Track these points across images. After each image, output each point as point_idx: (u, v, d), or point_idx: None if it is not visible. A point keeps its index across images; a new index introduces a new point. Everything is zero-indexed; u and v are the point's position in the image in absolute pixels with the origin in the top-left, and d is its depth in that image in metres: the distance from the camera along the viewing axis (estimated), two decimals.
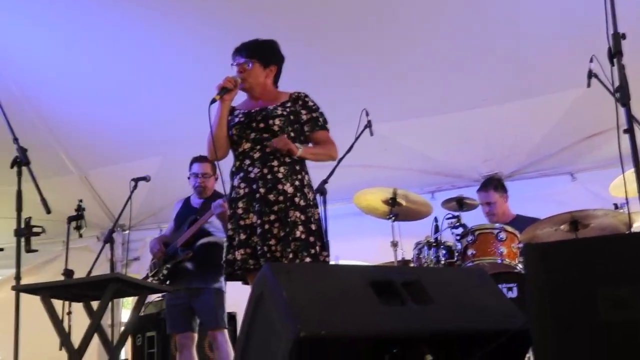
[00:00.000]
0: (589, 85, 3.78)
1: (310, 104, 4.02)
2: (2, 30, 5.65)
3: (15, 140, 4.55)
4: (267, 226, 3.73)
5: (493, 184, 5.93)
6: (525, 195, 6.40)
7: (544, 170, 6.66)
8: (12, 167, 4.51)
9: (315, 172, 4.09)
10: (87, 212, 5.33)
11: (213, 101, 3.83)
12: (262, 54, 4.02)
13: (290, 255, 3.69)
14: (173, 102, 6.34)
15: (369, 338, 2.22)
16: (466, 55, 5.65)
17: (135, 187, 5.54)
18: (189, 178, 5.60)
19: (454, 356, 2.29)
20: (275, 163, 3.82)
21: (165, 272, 5.44)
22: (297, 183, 3.84)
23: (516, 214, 5.84)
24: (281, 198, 3.77)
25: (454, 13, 5.38)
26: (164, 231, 5.85)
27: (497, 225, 5.14)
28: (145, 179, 5.60)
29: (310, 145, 4.01)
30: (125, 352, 6.57)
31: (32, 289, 4.18)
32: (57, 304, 4.40)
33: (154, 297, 6.14)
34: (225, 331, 5.37)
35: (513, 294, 4.65)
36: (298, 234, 3.74)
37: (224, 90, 3.84)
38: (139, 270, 7.53)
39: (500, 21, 5.41)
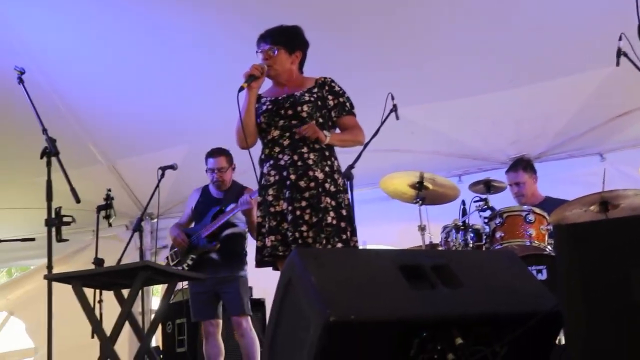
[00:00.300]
0: (618, 63, 3.73)
1: (337, 88, 4.00)
2: (30, 25, 5.69)
3: (45, 131, 4.60)
4: (298, 212, 3.73)
5: (522, 164, 5.88)
6: (554, 176, 6.34)
7: (573, 151, 6.57)
8: (41, 157, 4.56)
9: (342, 157, 4.08)
10: (116, 201, 5.38)
11: (241, 89, 3.82)
12: (287, 40, 4.00)
13: (323, 242, 3.69)
14: (198, 91, 6.36)
15: (398, 322, 2.22)
16: (493, 37, 5.58)
17: (162, 175, 5.59)
18: (206, 172, 5.64)
19: (484, 339, 2.28)
20: (305, 150, 3.82)
21: (190, 262, 5.48)
22: (327, 169, 3.84)
23: (545, 195, 5.79)
24: (312, 184, 3.77)
25: None
26: (181, 219, 5.86)
27: (525, 207, 5.10)
28: (173, 167, 5.65)
29: (337, 130, 4.00)
30: (156, 339, 6.64)
31: (64, 278, 4.23)
32: (89, 292, 4.44)
33: (183, 285, 6.19)
34: (249, 318, 5.43)
35: (543, 276, 4.62)
36: (329, 219, 3.75)
37: (252, 78, 3.83)
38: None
39: (528, 2, 5.34)
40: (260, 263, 3.89)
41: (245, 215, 5.46)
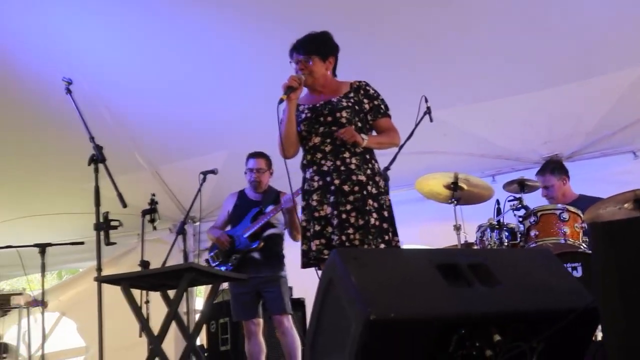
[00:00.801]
0: None
1: (372, 92, 4.00)
2: (78, 37, 5.76)
3: (92, 139, 4.65)
4: (344, 216, 3.74)
5: (550, 167, 5.80)
6: (587, 175, 6.27)
7: (605, 150, 6.48)
8: (89, 164, 4.62)
9: (378, 159, 4.08)
10: (160, 205, 5.43)
11: (281, 101, 3.83)
12: (320, 48, 4.00)
13: (371, 243, 3.70)
14: (236, 99, 6.38)
15: (437, 320, 2.22)
16: (525, 38, 5.52)
17: (204, 180, 5.64)
18: (245, 173, 5.67)
19: (521, 336, 2.26)
20: (347, 154, 3.83)
21: (234, 261, 5.52)
22: (368, 172, 3.84)
23: (579, 194, 5.71)
24: (356, 188, 3.78)
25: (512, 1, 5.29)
26: (216, 222, 5.89)
27: (559, 205, 5.05)
28: (213, 172, 5.70)
29: (374, 133, 4.00)
30: (200, 338, 6.69)
31: (113, 280, 4.28)
32: (136, 293, 4.50)
33: (224, 286, 6.23)
34: (291, 317, 5.45)
35: (578, 273, 4.57)
36: (372, 221, 3.75)
37: (290, 89, 3.84)
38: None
39: (559, 5, 5.29)
40: (305, 265, 3.90)
41: (286, 214, 5.47)
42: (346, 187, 3.77)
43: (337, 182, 3.79)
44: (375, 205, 3.79)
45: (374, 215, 3.76)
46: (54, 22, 5.62)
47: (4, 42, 5.74)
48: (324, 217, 3.80)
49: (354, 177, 3.79)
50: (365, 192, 3.78)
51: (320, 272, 3.68)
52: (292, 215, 5.40)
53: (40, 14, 5.52)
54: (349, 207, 3.75)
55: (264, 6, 5.44)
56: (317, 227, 3.81)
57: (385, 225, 3.79)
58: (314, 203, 3.84)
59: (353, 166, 3.81)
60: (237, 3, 5.47)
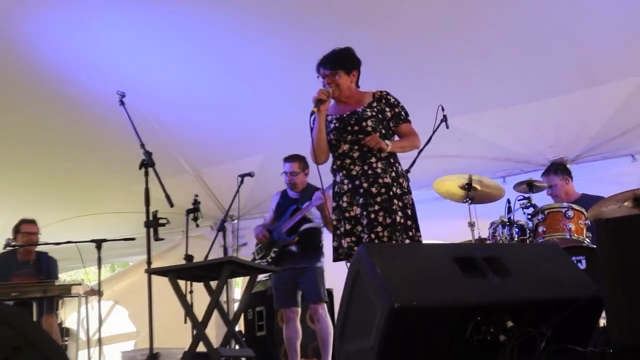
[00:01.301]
0: None
1: (392, 100, 4.02)
2: (126, 55, 5.84)
3: (142, 145, 4.70)
4: (372, 216, 3.76)
5: (553, 168, 5.83)
6: (590, 176, 6.24)
7: (606, 153, 6.42)
8: (140, 168, 4.66)
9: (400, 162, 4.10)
10: (202, 205, 5.44)
11: (312, 113, 3.86)
12: (345, 63, 4.02)
13: (399, 239, 3.71)
14: (269, 107, 6.42)
15: (455, 308, 2.21)
16: (531, 50, 5.51)
17: (242, 182, 5.66)
18: (282, 174, 5.68)
19: (532, 322, 2.25)
20: (373, 160, 3.85)
21: (273, 255, 5.51)
22: (393, 174, 3.86)
23: (582, 193, 5.69)
24: (383, 190, 3.80)
25: (519, 13, 5.26)
26: (265, 220, 5.90)
27: (564, 204, 5.04)
28: (250, 174, 5.72)
29: (396, 138, 4.00)
30: (238, 325, 6.71)
31: (161, 272, 4.33)
32: (181, 284, 4.53)
33: (261, 277, 6.25)
34: (325, 305, 5.43)
35: (582, 265, 4.53)
36: (398, 219, 3.77)
37: (320, 102, 3.86)
38: (247, 254, 7.63)
39: (563, 18, 5.25)
40: (336, 259, 3.94)
41: (319, 210, 5.45)
42: (374, 190, 3.80)
43: (365, 185, 3.82)
44: (400, 204, 3.80)
45: (399, 213, 3.78)
46: (108, 44, 5.71)
47: (60, 60, 5.82)
48: (354, 217, 3.82)
49: (380, 180, 3.81)
50: (391, 193, 3.79)
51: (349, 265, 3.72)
52: (323, 210, 5.39)
53: (92, 37, 5.61)
54: (377, 207, 3.77)
55: (291, 21, 5.47)
56: (348, 226, 3.83)
57: (409, 223, 3.81)
58: (344, 204, 3.86)
59: (379, 170, 3.83)
60: (266, 21, 5.49)
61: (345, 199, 3.87)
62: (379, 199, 3.78)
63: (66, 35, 5.57)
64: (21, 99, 6.16)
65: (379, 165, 3.84)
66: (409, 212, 3.84)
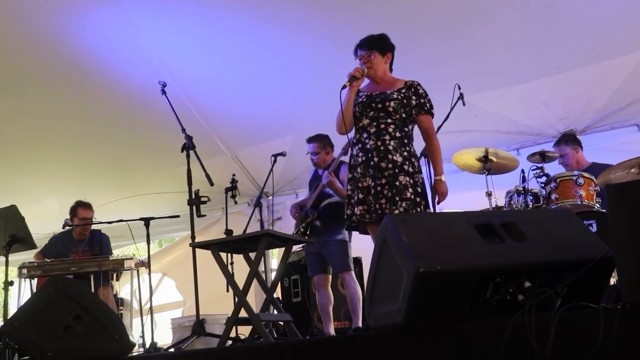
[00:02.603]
0: None
1: (421, 91, 4.01)
2: (169, 49, 5.90)
3: (184, 130, 4.74)
4: (379, 188, 3.80)
5: (564, 139, 5.76)
6: (598, 146, 6.17)
7: (613, 124, 6.34)
8: (182, 151, 4.71)
9: (420, 139, 4.09)
10: (239, 183, 5.50)
11: (344, 87, 3.88)
12: (380, 45, 4.04)
13: (402, 211, 3.72)
14: (300, 92, 6.42)
15: (475, 271, 2.20)
16: (541, 30, 5.46)
17: (275, 161, 5.67)
18: (307, 155, 5.67)
19: (548, 283, 2.24)
20: (387, 137, 3.86)
21: (302, 229, 5.53)
22: (405, 154, 3.87)
23: (592, 161, 5.61)
24: (390, 166, 3.81)
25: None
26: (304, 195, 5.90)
27: (575, 172, 4.98)
28: (282, 154, 5.73)
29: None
30: (276, 292, 6.77)
31: (204, 245, 4.35)
32: (222, 255, 4.57)
33: (295, 248, 6.30)
34: (352, 272, 5.41)
35: (593, 229, 4.49)
36: (408, 194, 3.78)
37: (354, 78, 3.90)
38: (281, 227, 7.70)
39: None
40: (348, 228, 4.00)
41: (330, 187, 5.36)
42: (383, 165, 3.83)
43: (376, 159, 3.84)
44: (411, 181, 3.82)
45: (410, 189, 3.80)
46: (150, 37, 5.75)
47: (107, 53, 5.87)
48: (366, 187, 3.86)
49: (390, 157, 3.82)
50: (398, 170, 3.80)
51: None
52: (332, 188, 5.33)
53: (137, 33, 5.67)
54: (383, 181, 3.81)
55: (314, 7, 5.45)
56: (361, 196, 3.87)
57: (418, 199, 3.82)
58: (358, 175, 3.90)
59: (391, 147, 3.84)
60: (290, 10, 5.49)
61: (359, 170, 3.91)
62: (385, 174, 3.80)
63: (114, 31, 5.63)
64: (73, 91, 6.25)
65: (392, 143, 3.85)
66: (419, 189, 3.85)
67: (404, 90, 3.96)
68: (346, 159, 4.58)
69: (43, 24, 5.41)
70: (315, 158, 5.54)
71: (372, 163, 3.84)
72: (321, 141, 5.53)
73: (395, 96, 3.91)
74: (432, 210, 3.93)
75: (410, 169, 3.84)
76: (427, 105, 3.99)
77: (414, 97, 3.97)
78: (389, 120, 3.89)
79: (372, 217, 3.80)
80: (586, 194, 4.80)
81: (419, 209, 3.79)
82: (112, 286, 5.92)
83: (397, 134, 3.87)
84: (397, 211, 3.72)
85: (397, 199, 3.76)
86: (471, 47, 5.69)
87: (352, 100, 3.93)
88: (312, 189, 5.58)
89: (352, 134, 4.03)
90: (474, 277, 2.19)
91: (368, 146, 3.87)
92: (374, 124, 3.90)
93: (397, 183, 3.78)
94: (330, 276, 5.55)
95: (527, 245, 2.31)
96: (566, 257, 2.31)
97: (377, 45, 4.02)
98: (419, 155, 4.05)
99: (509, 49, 5.69)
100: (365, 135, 3.91)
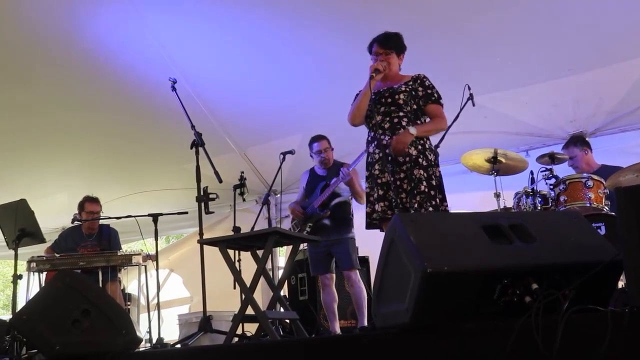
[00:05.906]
0: None
1: (427, 83, 4.02)
2: (180, 46, 5.91)
3: (193, 127, 4.74)
4: (398, 182, 3.81)
5: (573, 141, 5.74)
6: (608, 148, 6.12)
7: (624, 127, 6.29)
8: (191, 148, 4.71)
9: (437, 136, 4.13)
10: (248, 181, 5.49)
11: (371, 77, 3.90)
12: (397, 45, 4.07)
13: (416, 205, 3.73)
14: (308, 91, 6.41)
15: (483, 272, 2.19)
16: (551, 32, 5.43)
17: (283, 159, 5.67)
18: (311, 156, 5.65)
19: (555, 285, 2.23)
20: (401, 131, 3.86)
21: (308, 229, 5.53)
22: (419, 147, 3.87)
23: (601, 164, 5.58)
24: (407, 159, 3.82)
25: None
26: (297, 197, 5.90)
27: (584, 174, 4.96)
28: (291, 152, 5.72)
29: (424, 121, 3.99)
30: (282, 290, 6.77)
31: (212, 242, 4.37)
32: (230, 252, 4.57)
33: (302, 247, 6.30)
34: (358, 271, 5.45)
35: (601, 232, 4.46)
36: (422, 187, 3.78)
37: (377, 71, 3.92)
38: (289, 226, 7.69)
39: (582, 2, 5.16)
40: (369, 225, 3.98)
41: (348, 185, 5.43)
42: (400, 159, 3.83)
43: (393, 154, 3.83)
44: (425, 175, 3.82)
45: (424, 183, 3.79)
46: (159, 34, 5.77)
47: (118, 50, 5.90)
48: (386, 183, 3.85)
49: (406, 151, 3.80)
50: (414, 164, 3.81)
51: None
52: (351, 185, 5.38)
53: (147, 31, 5.70)
54: (402, 175, 3.82)
55: (322, 5, 5.46)
56: (380, 192, 3.87)
57: (433, 193, 3.81)
58: (376, 172, 3.91)
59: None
60: (297, 9, 5.50)
61: (377, 167, 3.91)
62: (404, 167, 3.82)
63: (125, 27, 5.66)
64: (84, 87, 6.27)
65: None
66: (434, 182, 3.84)
67: (410, 83, 3.99)
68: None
69: (58, 16, 5.45)
70: (325, 155, 5.56)
71: (389, 158, 3.85)
72: (327, 139, 5.57)
73: (403, 88, 3.94)
74: (447, 203, 3.91)
75: (425, 162, 3.85)
76: (435, 95, 4.00)
77: (420, 89, 3.98)
78: (401, 114, 3.91)
79: (394, 214, 3.76)
80: (595, 197, 4.78)
81: (433, 202, 3.79)
82: (119, 281, 5.93)
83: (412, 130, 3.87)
84: (415, 204, 3.74)
85: (415, 192, 3.77)
86: (481, 48, 5.68)
87: (370, 91, 3.92)
88: (318, 189, 5.57)
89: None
90: (481, 278, 2.19)
91: (384, 142, 3.89)
92: (387, 119, 3.92)
93: (413, 176, 3.80)
94: (335, 275, 5.57)
95: (535, 247, 2.30)
96: (574, 259, 2.30)
97: (395, 46, 4.04)
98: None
99: (519, 51, 5.68)
100: (380, 131, 3.93)
